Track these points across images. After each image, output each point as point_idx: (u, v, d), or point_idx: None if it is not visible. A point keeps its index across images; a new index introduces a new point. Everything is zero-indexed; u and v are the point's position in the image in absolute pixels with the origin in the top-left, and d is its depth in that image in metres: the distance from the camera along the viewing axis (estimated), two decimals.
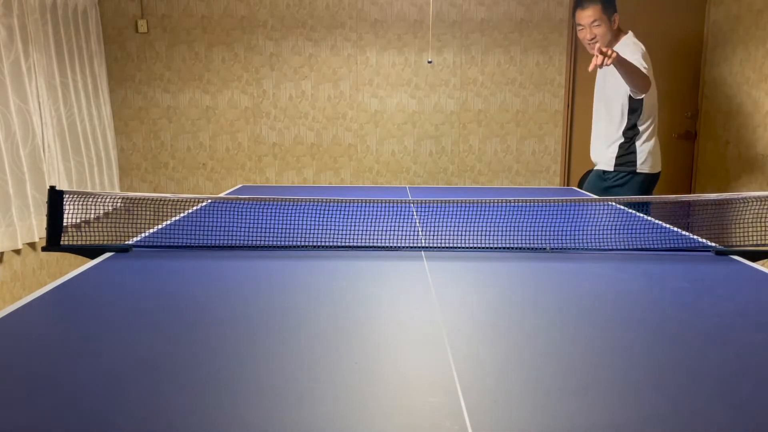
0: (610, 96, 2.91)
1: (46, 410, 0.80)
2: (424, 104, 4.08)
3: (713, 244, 1.75)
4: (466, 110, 4.10)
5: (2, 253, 2.90)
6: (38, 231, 3.07)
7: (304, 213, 2.21)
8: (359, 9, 3.93)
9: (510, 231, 1.91)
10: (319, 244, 1.75)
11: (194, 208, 2.34)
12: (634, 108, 2.84)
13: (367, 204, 2.36)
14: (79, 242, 1.77)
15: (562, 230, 1.95)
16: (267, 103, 4.04)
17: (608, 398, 0.84)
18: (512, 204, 2.37)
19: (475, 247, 1.70)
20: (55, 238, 1.65)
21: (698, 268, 1.51)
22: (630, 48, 2.75)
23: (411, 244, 1.75)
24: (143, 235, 1.87)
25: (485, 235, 1.84)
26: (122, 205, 1.91)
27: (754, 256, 1.64)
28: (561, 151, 4.16)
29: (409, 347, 1.02)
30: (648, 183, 2.93)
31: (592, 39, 2.79)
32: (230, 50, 3.97)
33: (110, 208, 1.86)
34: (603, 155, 2.97)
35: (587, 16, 2.79)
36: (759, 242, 1.68)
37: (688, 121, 4.16)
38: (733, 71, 3.75)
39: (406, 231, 1.94)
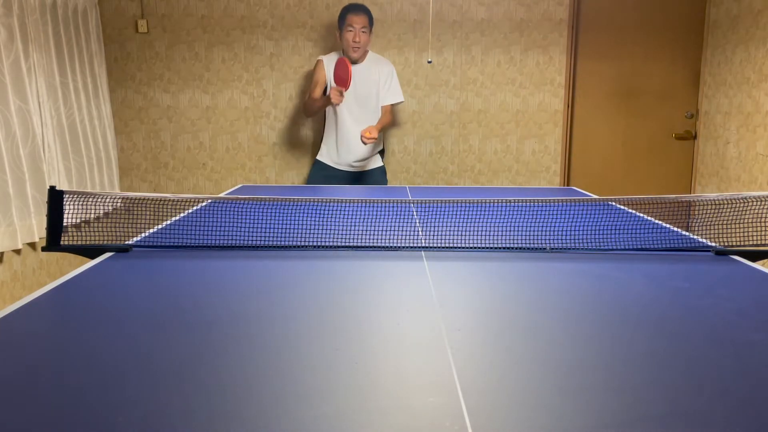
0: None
1: (46, 410, 0.80)
2: (424, 104, 4.08)
3: (713, 244, 1.75)
4: (466, 110, 4.10)
5: (2, 253, 2.90)
6: (38, 231, 3.07)
7: (304, 213, 2.21)
8: None
9: (510, 231, 1.91)
10: (319, 244, 1.75)
11: (194, 208, 2.34)
12: None
13: (367, 204, 2.36)
14: (79, 242, 1.77)
15: (562, 230, 1.95)
16: (267, 103, 4.04)
17: (608, 398, 0.84)
18: (512, 204, 2.37)
19: (475, 247, 1.70)
20: (55, 238, 1.65)
21: (698, 268, 1.51)
22: (392, 73, 3.48)
23: (411, 244, 1.75)
24: (143, 235, 1.87)
25: (485, 235, 1.84)
26: (122, 205, 1.91)
27: (754, 256, 1.64)
28: (561, 151, 4.16)
29: (409, 347, 1.02)
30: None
31: (356, 42, 3.31)
32: (230, 50, 3.97)
33: (110, 208, 1.85)
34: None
35: (360, 21, 3.29)
36: (759, 242, 1.68)
37: (688, 121, 4.16)
38: (733, 71, 3.75)
39: (406, 231, 1.94)
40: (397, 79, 3.51)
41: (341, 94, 3.20)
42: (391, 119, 3.54)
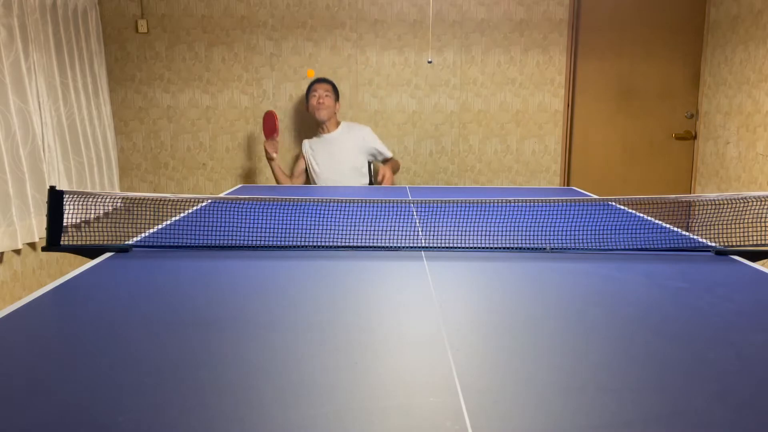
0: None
1: (45, 410, 0.80)
2: (424, 104, 4.08)
3: (713, 244, 1.75)
4: (466, 110, 4.10)
5: (2, 253, 2.90)
6: (38, 231, 3.07)
7: (304, 213, 2.21)
8: (359, 9, 3.93)
9: (510, 231, 1.91)
10: (319, 244, 1.75)
11: (194, 208, 2.34)
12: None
13: (367, 204, 2.36)
14: (79, 242, 1.77)
15: (562, 230, 1.95)
16: (267, 103, 4.04)
17: (608, 398, 0.84)
18: (512, 204, 2.37)
19: (475, 247, 1.70)
20: (55, 238, 1.65)
21: (698, 268, 1.51)
22: (372, 136, 3.71)
23: (411, 244, 1.75)
24: (143, 235, 1.87)
25: (485, 235, 1.84)
26: (122, 205, 1.91)
27: (754, 256, 1.64)
28: (561, 151, 4.16)
29: (410, 347, 1.02)
30: None
31: (320, 103, 3.59)
32: (230, 50, 3.97)
33: (110, 208, 1.85)
34: None
35: (322, 87, 3.62)
36: (759, 242, 1.68)
37: (688, 121, 4.16)
38: (733, 71, 3.75)
39: (406, 231, 1.94)
40: (378, 138, 3.73)
41: (273, 146, 3.55)
42: (396, 164, 3.78)
